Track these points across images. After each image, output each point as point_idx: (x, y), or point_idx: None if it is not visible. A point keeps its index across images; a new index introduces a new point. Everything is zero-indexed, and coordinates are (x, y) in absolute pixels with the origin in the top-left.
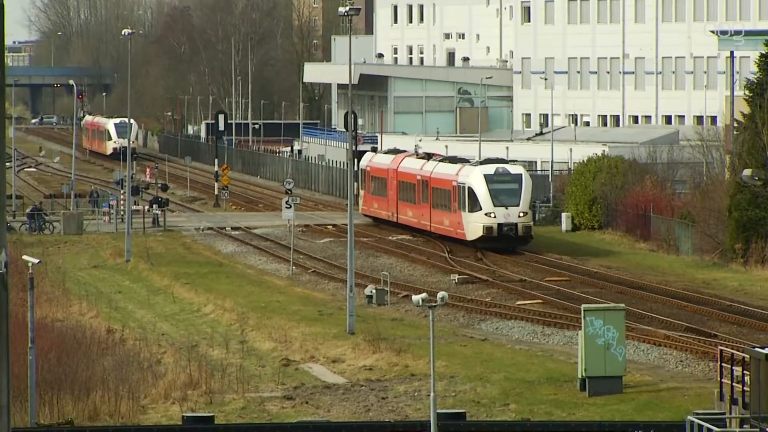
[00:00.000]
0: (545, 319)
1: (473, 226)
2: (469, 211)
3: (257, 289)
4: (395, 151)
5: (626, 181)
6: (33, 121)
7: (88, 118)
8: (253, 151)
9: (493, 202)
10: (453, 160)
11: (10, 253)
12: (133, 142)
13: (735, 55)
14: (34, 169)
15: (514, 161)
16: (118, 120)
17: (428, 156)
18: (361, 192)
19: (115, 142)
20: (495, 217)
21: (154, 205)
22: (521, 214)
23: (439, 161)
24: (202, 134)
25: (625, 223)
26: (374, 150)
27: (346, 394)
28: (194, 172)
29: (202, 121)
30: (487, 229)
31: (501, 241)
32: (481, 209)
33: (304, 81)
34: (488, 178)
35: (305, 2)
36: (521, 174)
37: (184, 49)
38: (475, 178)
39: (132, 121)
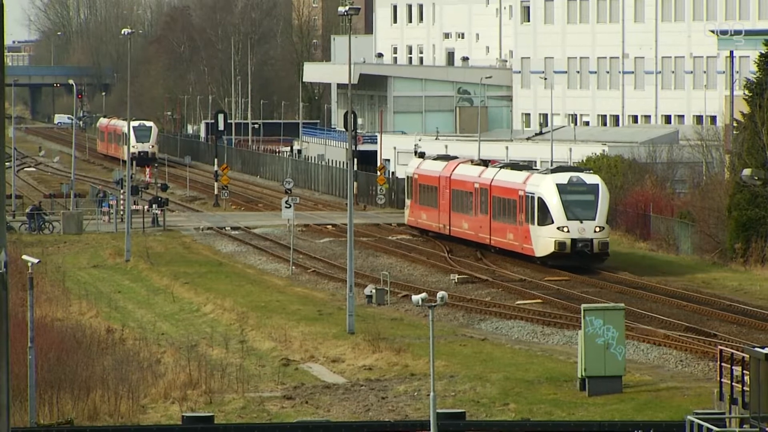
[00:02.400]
0: (545, 318)
1: (543, 241)
2: (538, 225)
3: (257, 288)
4: (446, 157)
5: (626, 181)
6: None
7: (103, 120)
8: (253, 151)
9: (567, 215)
10: (516, 166)
11: (9, 253)
12: (152, 146)
13: (734, 54)
14: (33, 169)
15: (588, 169)
16: (136, 123)
17: (484, 162)
18: (407, 201)
19: (133, 146)
20: (568, 231)
21: (154, 205)
22: (597, 229)
23: (501, 167)
24: (202, 134)
25: (625, 223)
26: (422, 155)
27: (345, 394)
28: (194, 172)
29: (201, 120)
30: (560, 244)
31: (574, 258)
32: (552, 222)
33: (303, 81)
34: (561, 188)
35: (305, 2)
36: (598, 184)
37: (183, 49)
38: (546, 188)
39: (151, 123)
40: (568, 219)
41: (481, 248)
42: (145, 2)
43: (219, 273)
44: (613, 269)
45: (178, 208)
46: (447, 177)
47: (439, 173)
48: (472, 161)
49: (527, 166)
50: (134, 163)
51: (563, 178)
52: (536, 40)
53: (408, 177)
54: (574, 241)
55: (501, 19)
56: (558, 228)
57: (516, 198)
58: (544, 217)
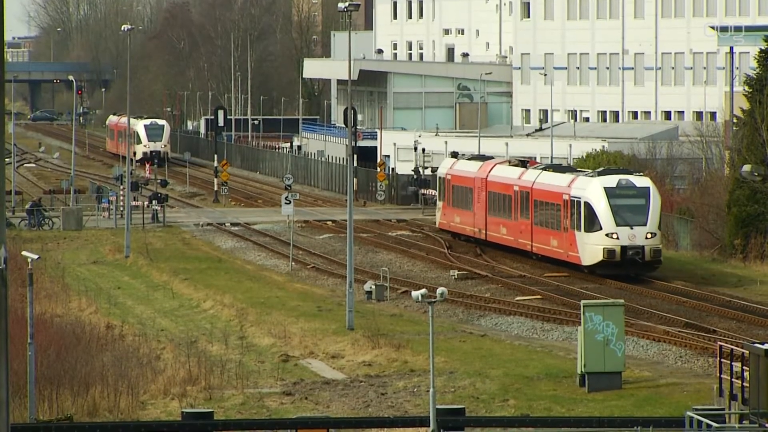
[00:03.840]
0: (544, 314)
1: (591, 248)
2: (585, 231)
3: (256, 284)
4: (481, 158)
5: None
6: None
7: (113, 118)
8: (253, 147)
9: (616, 220)
10: (558, 168)
11: (9, 249)
12: (164, 145)
13: (734, 50)
14: (33, 165)
15: (638, 171)
16: (148, 121)
17: (523, 162)
18: (439, 203)
19: (145, 145)
20: (618, 238)
21: (154, 201)
22: (649, 235)
23: (543, 169)
24: (202, 130)
25: None
26: (455, 155)
27: (345, 390)
28: (193, 168)
29: (201, 116)
30: (609, 252)
31: (625, 266)
32: (600, 229)
33: (303, 77)
34: (609, 192)
35: None
36: (649, 187)
37: (183, 45)
38: (593, 192)
39: (164, 122)
40: (618, 225)
41: (522, 255)
42: None
43: (218, 269)
44: None
45: (177, 204)
46: (483, 178)
47: (475, 174)
48: (509, 162)
49: (571, 167)
50: (146, 163)
51: (611, 180)
52: (536, 36)
53: (440, 178)
54: (624, 248)
55: (501, 15)
56: (607, 235)
57: (560, 202)
58: (592, 223)
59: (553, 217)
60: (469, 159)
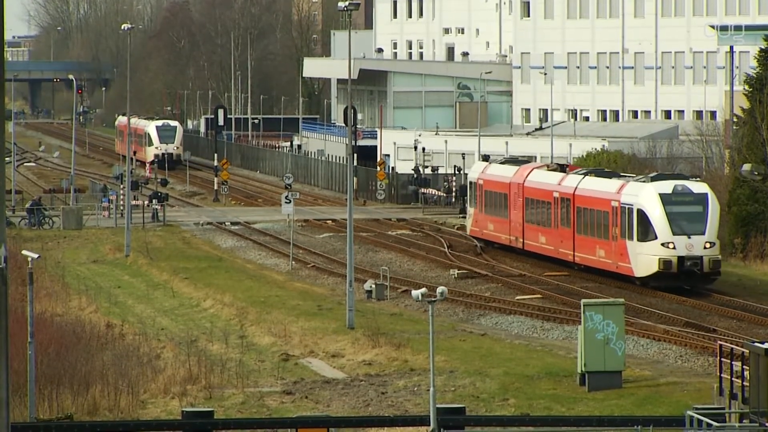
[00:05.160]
0: (544, 314)
1: (645, 259)
2: (638, 241)
3: (256, 283)
4: (515, 161)
5: None
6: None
7: (123, 119)
8: (253, 146)
9: (672, 229)
10: (602, 173)
11: (9, 248)
12: (177, 147)
13: (734, 50)
14: (33, 164)
15: (694, 177)
16: (160, 122)
17: (561, 167)
18: (470, 210)
19: (157, 147)
20: (674, 248)
21: (154, 200)
22: (708, 245)
23: (585, 174)
24: (202, 129)
25: None
26: (486, 159)
27: (345, 389)
28: (194, 167)
29: (201, 115)
30: (665, 263)
31: (681, 278)
32: (656, 238)
33: (303, 76)
34: (665, 199)
35: None
36: (706, 193)
37: (183, 44)
38: (647, 198)
39: (176, 123)
40: (674, 234)
41: (563, 265)
42: None
43: (219, 268)
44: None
45: (177, 203)
46: (519, 184)
47: (510, 179)
48: (547, 166)
49: (615, 172)
50: (157, 165)
51: (667, 186)
52: (536, 36)
53: (471, 182)
54: (681, 259)
55: (501, 14)
56: (662, 244)
57: (608, 209)
58: (646, 232)
59: (600, 226)
60: (502, 163)
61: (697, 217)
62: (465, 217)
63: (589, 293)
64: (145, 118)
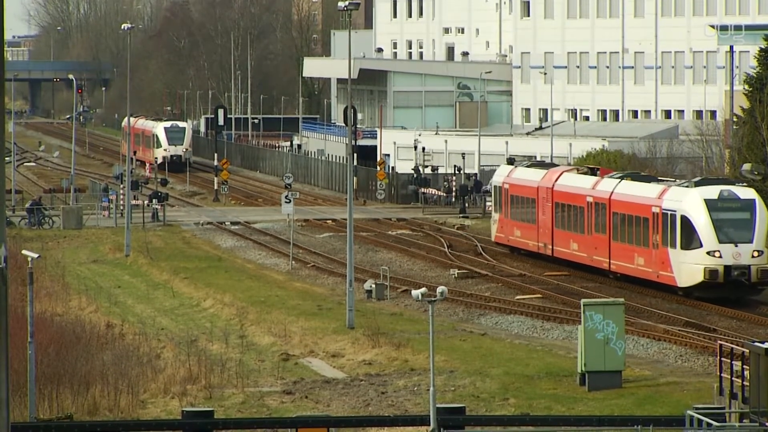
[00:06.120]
0: (545, 313)
1: (689, 268)
2: (681, 249)
3: (257, 283)
4: (542, 164)
5: None
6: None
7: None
8: (253, 146)
9: (718, 237)
10: (638, 176)
11: (9, 248)
12: (186, 149)
13: (734, 49)
14: (33, 164)
15: (740, 182)
16: (169, 123)
17: (592, 170)
18: (495, 215)
19: (165, 149)
20: (721, 257)
21: (154, 200)
22: (756, 254)
23: (621, 178)
24: (202, 129)
25: None
26: (511, 162)
27: (345, 389)
28: (194, 167)
29: (201, 115)
30: (711, 273)
31: (728, 289)
32: (700, 246)
33: (303, 75)
34: (710, 205)
35: None
36: (754, 199)
37: (183, 44)
38: (691, 204)
39: (186, 124)
40: (720, 242)
41: (597, 273)
42: None
43: (219, 268)
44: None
45: (178, 203)
46: (548, 188)
47: (538, 183)
48: (577, 169)
49: (652, 176)
50: (166, 167)
51: (712, 192)
52: (536, 35)
53: (496, 187)
54: (727, 268)
55: (501, 14)
56: (707, 253)
57: (648, 215)
58: (690, 240)
59: (639, 233)
60: (528, 166)
61: (744, 225)
62: (465, 217)
63: (589, 293)
64: (152, 119)
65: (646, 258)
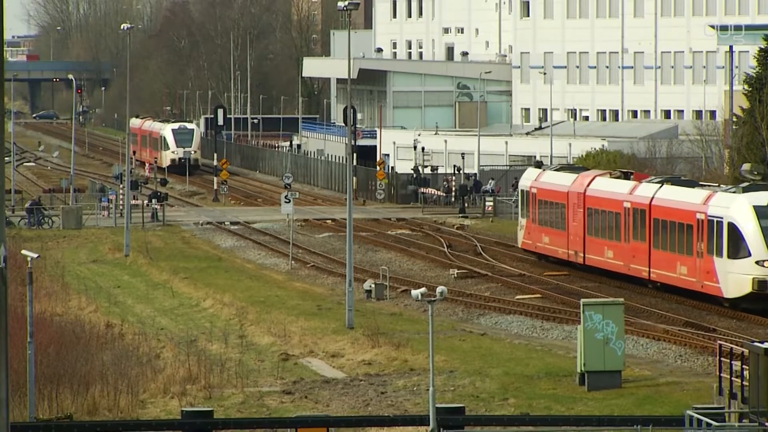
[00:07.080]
0: (544, 313)
1: (736, 278)
2: (728, 258)
3: (256, 283)
4: (572, 168)
5: None
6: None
7: (136, 121)
8: (252, 146)
9: None
10: (678, 181)
11: (9, 248)
12: (195, 151)
13: (734, 49)
14: (33, 164)
15: None
16: (176, 125)
17: (625, 174)
18: (522, 221)
19: (173, 152)
20: None
21: (153, 200)
22: None
23: (661, 183)
24: (201, 129)
25: None
26: (539, 165)
27: (345, 389)
28: (202, 169)
29: (201, 115)
30: (759, 283)
31: None
32: (749, 255)
33: (303, 75)
34: (760, 212)
35: None
36: None
37: (183, 44)
38: (739, 211)
39: (194, 125)
40: None
41: (636, 282)
42: None
43: (218, 268)
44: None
45: (177, 203)
46: (580, 193)
47: (568, 188)
48: (610, 174)
49: (695, 181)
50: (182, 171)
51: (761, 198)
52: (536, 35)
53: (523, 191)
54: None
55: (500, 14)
56: (756, 262)
57: (693, 222)
58: (737, 249)
59: (682, 240)
60: (557, 170)
61: None
62: (464, 217)
63: (589, 293)
64: (160, 121)
65: (689, 267)
